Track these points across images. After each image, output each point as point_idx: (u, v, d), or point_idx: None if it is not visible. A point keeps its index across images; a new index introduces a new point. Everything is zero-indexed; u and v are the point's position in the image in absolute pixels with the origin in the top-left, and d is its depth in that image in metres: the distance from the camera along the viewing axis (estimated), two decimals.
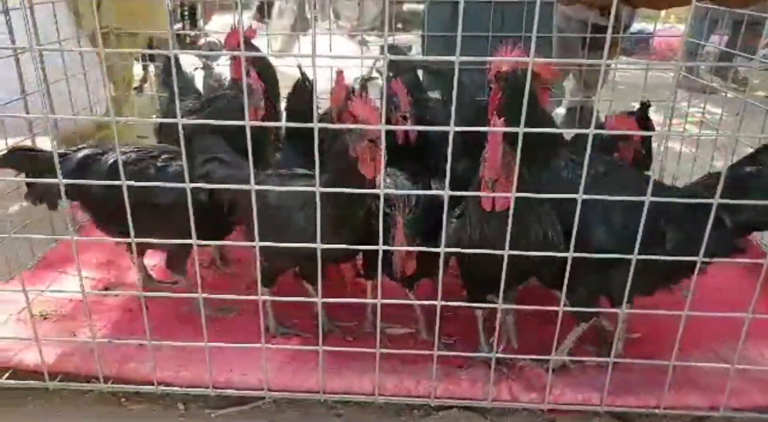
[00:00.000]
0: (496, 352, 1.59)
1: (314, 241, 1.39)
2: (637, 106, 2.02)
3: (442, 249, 1.38)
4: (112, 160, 1.86)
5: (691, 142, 2.47)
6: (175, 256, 1.99)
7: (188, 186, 1.34)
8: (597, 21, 3.16)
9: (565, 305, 1.48)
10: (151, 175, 1.84)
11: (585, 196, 1.29)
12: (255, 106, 1.85)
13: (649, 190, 1.31)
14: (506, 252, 1.36)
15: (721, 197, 1.33)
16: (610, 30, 1.24)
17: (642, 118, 1.98)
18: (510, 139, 1.39)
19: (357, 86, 2.22)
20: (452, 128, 1.28)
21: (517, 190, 1.35)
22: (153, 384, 1.69)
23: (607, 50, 1.25)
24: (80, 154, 1.90)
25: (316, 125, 1.28)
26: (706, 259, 1.42)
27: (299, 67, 2.17)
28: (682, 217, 1.58)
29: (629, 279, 1.41)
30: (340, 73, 2.02)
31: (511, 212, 1.37)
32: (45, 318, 2.00)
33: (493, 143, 1.44)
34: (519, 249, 1.38)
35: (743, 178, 1.59)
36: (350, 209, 1.58)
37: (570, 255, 1.38)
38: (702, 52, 4.77)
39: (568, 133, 1.98)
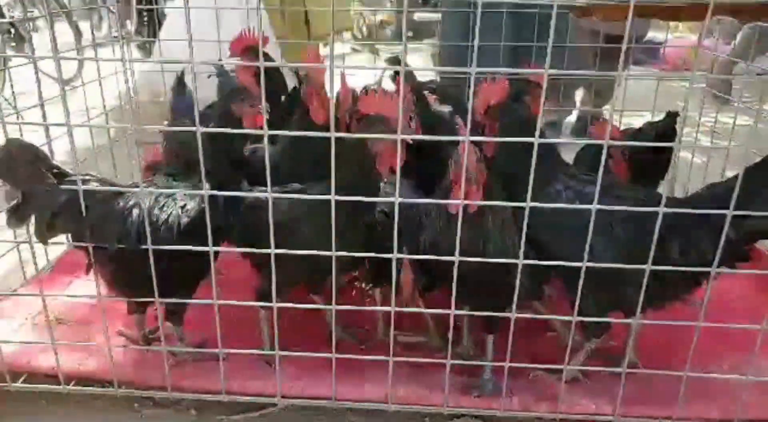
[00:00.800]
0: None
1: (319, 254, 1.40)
2: (648, 115, 2.02)
3: (456, 258, 1.38)
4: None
5: (703, 151, 2.46)
6: (176, 308, 1.80)
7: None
8: (610, 31, 3.16)
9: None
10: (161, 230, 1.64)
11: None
12: (253, 113, 1.81)
13: (662, 202, 1.31)
14: (521, 262, 1.37)
15: (726, 206, 1.33)
16: (626, 40, 1.25)
17: (667, 129, 1.98)
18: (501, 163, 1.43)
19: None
20: (468, 137, 1.29)
21: (488, 198, 1.42)
22: (166, 390, 1.70)
23: (623, 61, 1.26)
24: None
25: (333, 134, 1.29)
26: (719, 270, 1.42)
27: (297, 73, 2.19)
28: (686, 229, 1.56)
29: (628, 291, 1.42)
30: (343, 75, 1.99)
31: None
32: (60, 323, 2.02)
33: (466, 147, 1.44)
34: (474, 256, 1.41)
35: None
36: (358, 215, 1.59)
37: (584, 264, 1.38)
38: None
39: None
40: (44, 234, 1.63)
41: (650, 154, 1.93)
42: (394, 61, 2.71)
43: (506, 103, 1.67)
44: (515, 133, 1.33)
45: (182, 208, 1.67)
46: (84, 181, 1.56)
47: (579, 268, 1.38)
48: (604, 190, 1.34)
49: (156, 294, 1.52)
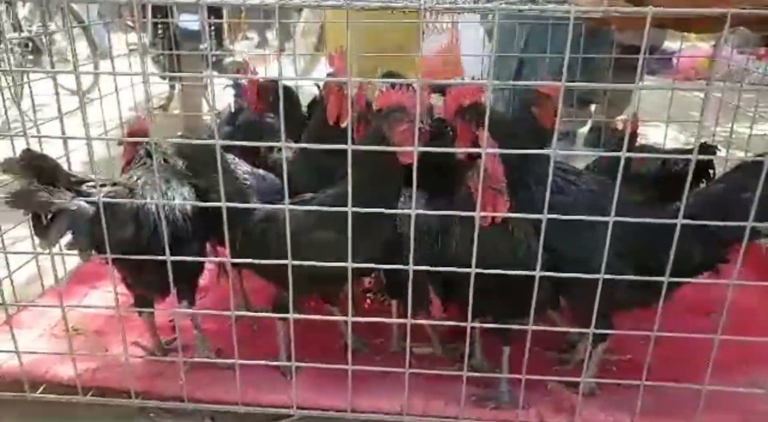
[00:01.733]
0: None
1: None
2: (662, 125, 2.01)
3: (472, 270, 1.38)
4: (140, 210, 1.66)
5: (719, 162, 2.44)
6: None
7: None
8: (623, 42, 3.15)
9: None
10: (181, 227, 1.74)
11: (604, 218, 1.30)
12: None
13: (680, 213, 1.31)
14: (537, 274, 1.37)
15: (710, 213, 1.43)
16: (643, 51, 1.25)
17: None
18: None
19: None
20: (484, 150, 1.30)
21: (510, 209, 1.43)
22: (182, 400, 1.71)
23: (639, 72, 1.26)
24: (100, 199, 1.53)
25: (349, 147, 1.31)
26: (737, 282, 1.42)
27: (317, 85, 2.21)
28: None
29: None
30: (361, 86, 2.00)
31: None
32: (78, 333, 2.04)
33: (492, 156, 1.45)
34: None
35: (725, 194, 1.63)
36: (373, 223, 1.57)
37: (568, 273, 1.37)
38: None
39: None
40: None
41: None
42: (390, 74, 2.71)
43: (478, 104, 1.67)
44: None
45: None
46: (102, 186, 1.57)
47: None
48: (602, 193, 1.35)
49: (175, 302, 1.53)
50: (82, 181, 1.60)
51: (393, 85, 1.56)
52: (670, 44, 6.39)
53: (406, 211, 1.45)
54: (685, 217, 1.31)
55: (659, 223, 1.39)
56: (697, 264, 1.60)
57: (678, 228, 1.32)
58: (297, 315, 1.53)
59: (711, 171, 2.03)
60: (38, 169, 1.52)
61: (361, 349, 1.96)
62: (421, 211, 1.39)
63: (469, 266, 1.39)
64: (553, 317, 1.96)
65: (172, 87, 5.09)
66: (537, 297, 1.40)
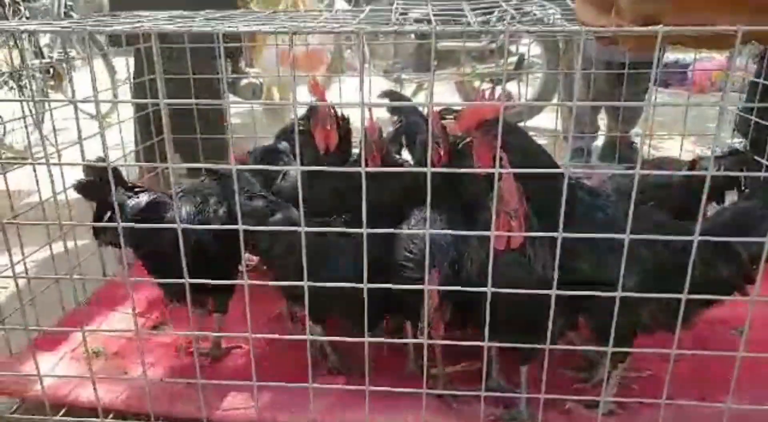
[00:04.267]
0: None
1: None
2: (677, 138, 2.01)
3: (488, 290, 1.38)
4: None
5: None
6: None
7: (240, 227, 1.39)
8: (621, 59, 3.16)
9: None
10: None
11: (631, 236, 1.29)
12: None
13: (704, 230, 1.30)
14: (554, 293, 1.36)
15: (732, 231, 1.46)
16: (655, 64, 1.26)
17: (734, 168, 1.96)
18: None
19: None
20: (497, 169, 1.30)
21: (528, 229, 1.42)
22: None
23: (651, 84, 1.26)
24: (145, 200, 1.95)
25: (363, 169, 1.32)
26: (760, 298, 1.40)
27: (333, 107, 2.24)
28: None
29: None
30: (371, 111, 2.02)
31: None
32: (97, 356, 2.06)
33: (508, 176, 1.44)
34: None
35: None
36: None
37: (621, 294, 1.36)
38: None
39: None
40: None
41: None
42: (389, 93, 2.74)
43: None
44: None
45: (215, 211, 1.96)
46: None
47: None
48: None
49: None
50: (134, 187, 1.99)
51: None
52: (684, 57, 6.38)
53: (420, 231, 1.46)
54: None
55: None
56: (724, 283, 1.58)
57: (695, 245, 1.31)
58: (312, 337, 1.53)
59: (743, 178, 1.98)
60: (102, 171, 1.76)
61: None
62: (435, 231, 1.39)
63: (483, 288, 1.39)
64: (570, 336, 1.94)
65: None
66: (554, 320, 1.39)
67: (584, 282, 1.42)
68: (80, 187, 1.89)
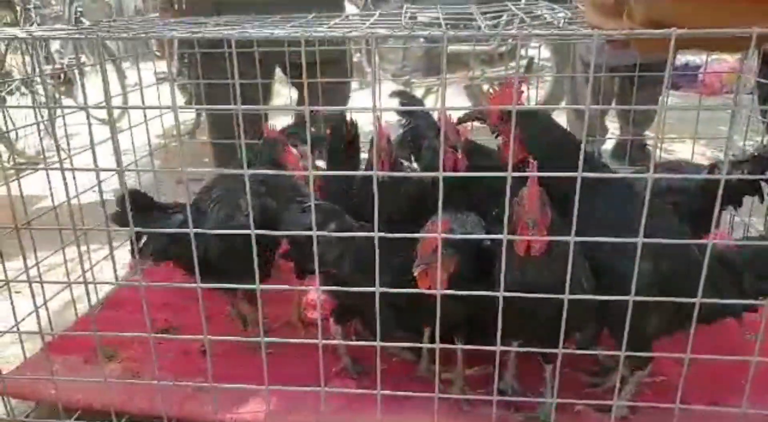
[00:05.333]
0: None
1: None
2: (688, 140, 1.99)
3: (500, 294, 1.38)
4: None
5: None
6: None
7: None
8: (625, 61, 3.16)
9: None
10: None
11: (643, 239, 1.29)
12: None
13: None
14: (566, 297, 1.35)
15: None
16: (668, 68, 1.25)
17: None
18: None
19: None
20: (510, 174, 1.30)
21: (555, 234, 1.39)
22: None
23: (663, 88, 1.26)
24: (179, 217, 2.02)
25: (375, 173, 1.32)
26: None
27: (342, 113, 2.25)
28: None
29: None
30: (379, 120, 2.00)
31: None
32: (111, 359, 2.07)
33: (532, 183, 1.42)
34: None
35: None
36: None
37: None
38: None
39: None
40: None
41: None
42: (400, 93, 2.73)
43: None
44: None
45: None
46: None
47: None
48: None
49: None
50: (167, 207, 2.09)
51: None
52: (694, 58, 6.34)
53: (433, 235, 1.45)
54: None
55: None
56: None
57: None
58: (326, 341, 1.53)
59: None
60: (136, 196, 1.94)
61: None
62: (448, 236, 1.39)
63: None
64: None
65: (199, 115, 5.20)
66: (581, 326, 1.39)
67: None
68: (116, 218, 1.94)
